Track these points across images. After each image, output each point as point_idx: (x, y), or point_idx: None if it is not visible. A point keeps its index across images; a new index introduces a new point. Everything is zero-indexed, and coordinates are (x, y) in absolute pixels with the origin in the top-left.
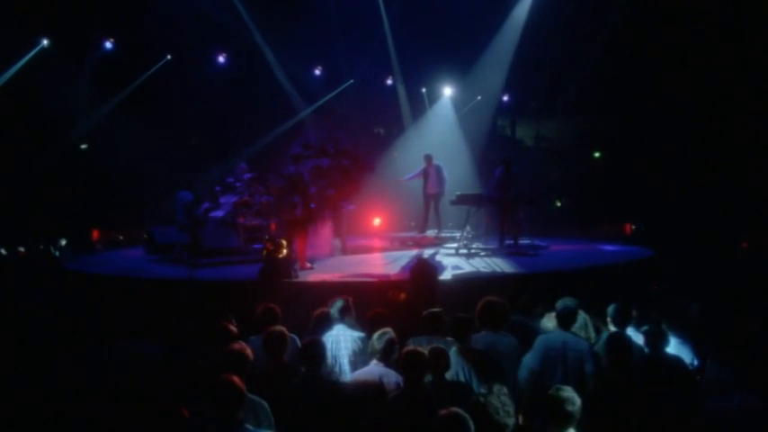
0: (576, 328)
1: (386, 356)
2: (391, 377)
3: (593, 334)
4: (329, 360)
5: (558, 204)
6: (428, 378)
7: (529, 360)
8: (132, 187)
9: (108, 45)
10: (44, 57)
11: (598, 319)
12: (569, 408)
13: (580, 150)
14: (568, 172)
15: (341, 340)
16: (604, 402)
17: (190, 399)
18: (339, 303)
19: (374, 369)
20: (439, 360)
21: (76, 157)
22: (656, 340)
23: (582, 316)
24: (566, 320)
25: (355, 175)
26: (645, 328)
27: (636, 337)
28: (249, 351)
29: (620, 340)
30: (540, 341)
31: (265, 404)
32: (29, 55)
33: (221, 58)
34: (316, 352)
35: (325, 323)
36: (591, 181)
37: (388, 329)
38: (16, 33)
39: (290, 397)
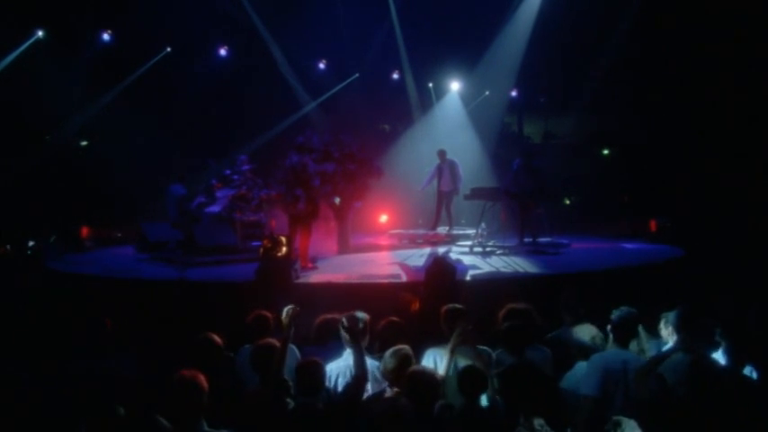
0: None
1: (400, 377)
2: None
3: (646, 346)
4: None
5: (567, 202)
6: (459, 403)
7: (584, 385)
8: (130, 183)
9: (105, 37)
10: (39, 49)
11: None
12: None
13: (589, 148)
14: (577, 169)
15: None
16: None
17: None
18: (358, 323)
19: (389, 393)
20: (473, 381)
21: (71, 152)
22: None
23: None
24: (625, 335)
25: (361, 180)
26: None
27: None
28: (202, 379)
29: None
30: (596, 362)
31: None
32: (23, 46)
33: (223, 51)
34: (313, 377)
35: (330, 333)
36: (603, 178)
37: (404, 346)
38: (10, 24)
39: (279, 428)
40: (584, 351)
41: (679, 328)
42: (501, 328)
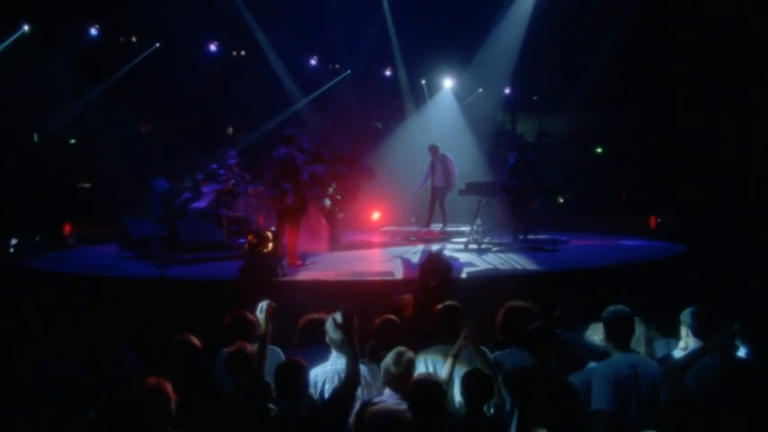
0: None
1: (404, 384)
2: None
3: (643, 348)
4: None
5: (561, 200)
6: (462, 411)
7: (596, 399)
8: (116, 179)
9: (93, 32)
10: (25, 44)
11: (648, 326)
12: None
13: (584, 146)
14: (571, 167)
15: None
16: None
17: None
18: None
19: (389, 401)
20: (480, 387)
21: (56, 148)
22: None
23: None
24: (622, 336)
25: (352, 183)
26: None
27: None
28: (168, 387)
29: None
30: (605, 370)
31: None
32: (7, 41)
33: (212, 47)
34: (295, 379)
35: (315, 335)
36: (598, 176)
37: (405, 348)
38: None
39: None
40: (594, 352)
41: (696, 328)
42: (530, 330)
